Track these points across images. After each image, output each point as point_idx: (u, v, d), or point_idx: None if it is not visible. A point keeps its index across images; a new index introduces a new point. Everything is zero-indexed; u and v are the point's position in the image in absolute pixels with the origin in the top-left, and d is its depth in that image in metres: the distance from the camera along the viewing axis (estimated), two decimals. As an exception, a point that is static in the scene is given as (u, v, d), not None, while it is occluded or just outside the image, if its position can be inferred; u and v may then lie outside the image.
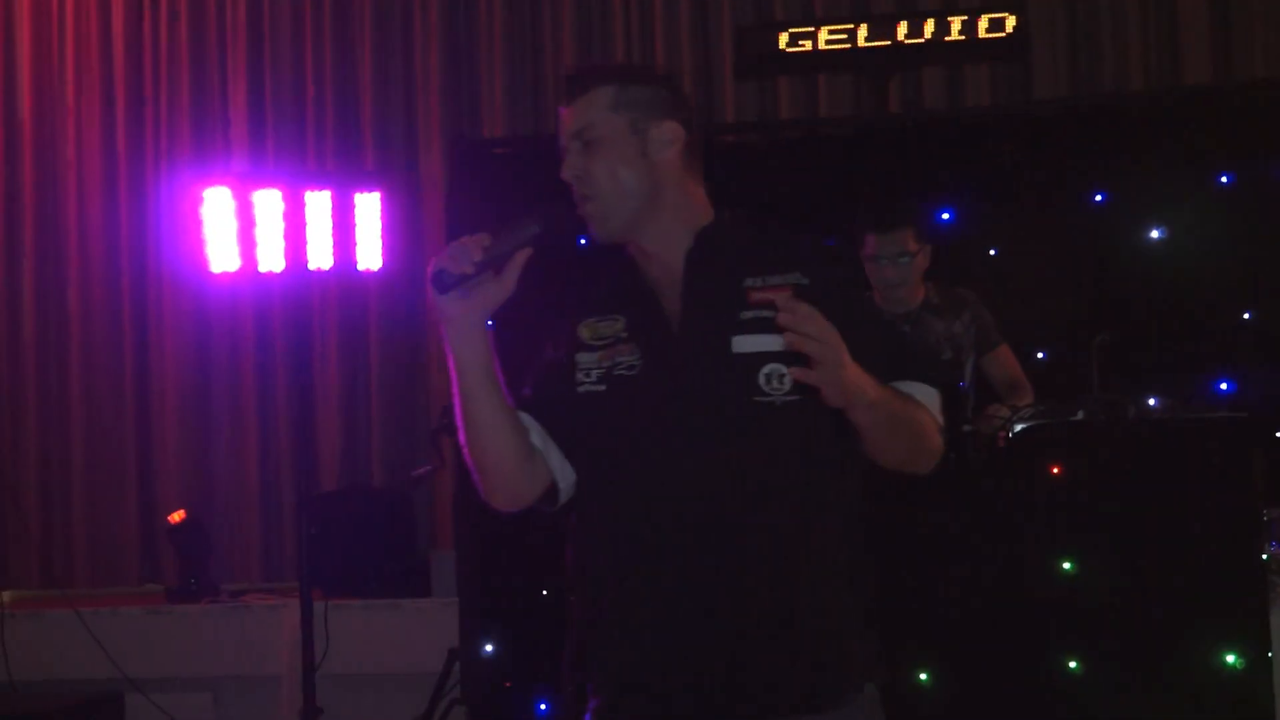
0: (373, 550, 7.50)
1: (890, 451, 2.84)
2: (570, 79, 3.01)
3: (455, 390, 2.86)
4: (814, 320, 2.56)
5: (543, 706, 5.99)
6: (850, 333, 2.63)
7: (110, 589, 8.25)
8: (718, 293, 2.89)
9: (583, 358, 2.93)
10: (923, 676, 5.33)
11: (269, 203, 6.67)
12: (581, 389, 2.91)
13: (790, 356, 2.66)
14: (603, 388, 2.90)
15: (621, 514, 2.87)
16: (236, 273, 6.73)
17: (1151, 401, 5.78)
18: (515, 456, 2.89)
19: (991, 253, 7.00)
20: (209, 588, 7.57)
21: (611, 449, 2.89)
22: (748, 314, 2.84)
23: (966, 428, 5.35)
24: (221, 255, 6.69)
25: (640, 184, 2.92)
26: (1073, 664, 5.24)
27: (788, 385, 2.79)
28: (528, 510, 3.00)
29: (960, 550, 5.35)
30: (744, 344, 2.83)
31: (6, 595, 7.17)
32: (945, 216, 6.84)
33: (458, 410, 2.88)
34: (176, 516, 7.54)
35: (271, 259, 6.68)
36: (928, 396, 2.91)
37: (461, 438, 2.90)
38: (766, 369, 2.81)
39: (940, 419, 2.92)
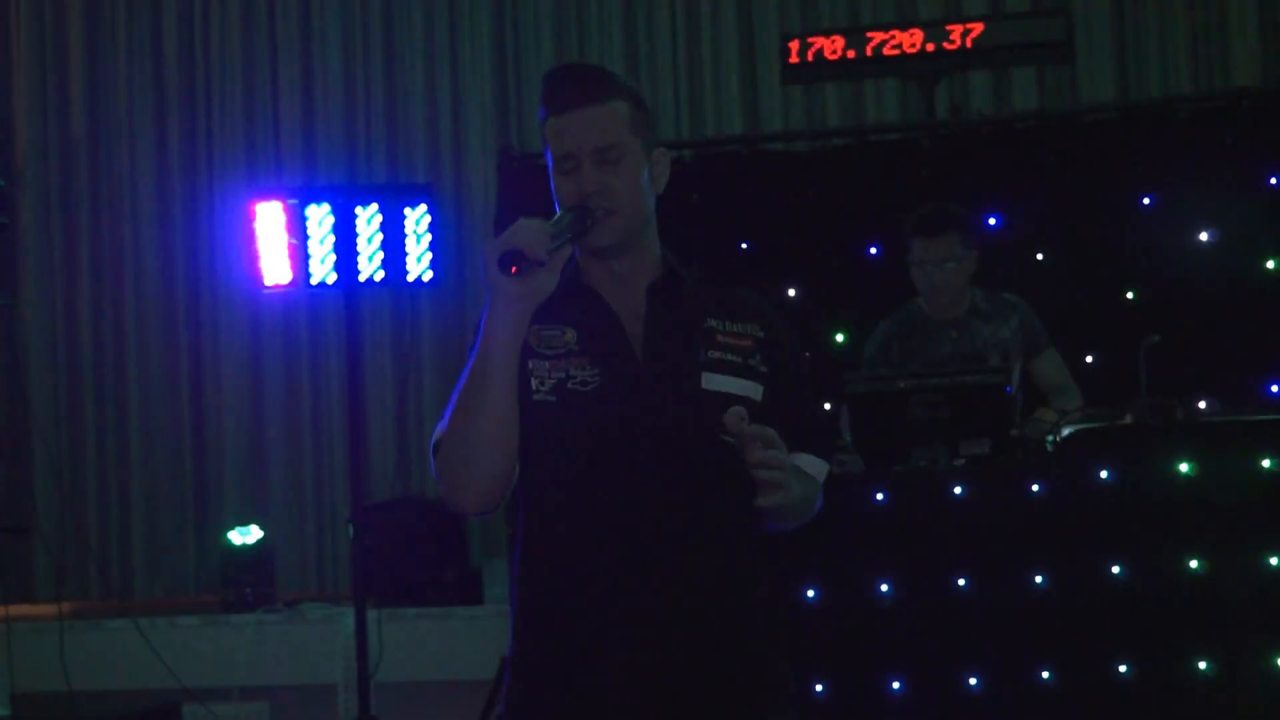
0: (426, 559, 7.54)
1: (779, 521, 2.93)
2: (583, 83, 2.89)
3: (475, 373, 2.77)
4: (773, 450, 2.69)
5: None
6: (784, 390, 2.94)
7: (168, 599, 8.34)
8: (682, 327, 2.90)
9: (534, 364, 2.86)
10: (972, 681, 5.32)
11: (320, 217, 6.73)
12: (536, 397, 2.84)
13: (750, 404, 2.83)
14: (554, 399, 2.84)
15: (571, 530, 2.85)
16: (289, 285, 6.80)
17: (1201, 404, 5.77)
18: (509, 453, 2.81)
19: (1039, 257, 6.98)
20: (265, 598, 7.64)
21: (564, 463, 2.85)
22: (714, 353, 2.89)
23: (1014, 433, 5.34)
24: (274, 268, 6.76)
25: (647, 208, 2.91)
26: (1123, 668, 5.22)
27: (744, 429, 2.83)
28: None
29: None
30: (713, 382, 2.86)
31: (66, 606, 7.23)
32: (992, 222, 6.83)
33: (462, 396, 2.78)
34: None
35: (323, 272, 6.74)
36: (819, 470, 2.99)
37: (453, 427, 2.80)
38: (730, 411, 2.78)
39: (820, 485, 3.01)
